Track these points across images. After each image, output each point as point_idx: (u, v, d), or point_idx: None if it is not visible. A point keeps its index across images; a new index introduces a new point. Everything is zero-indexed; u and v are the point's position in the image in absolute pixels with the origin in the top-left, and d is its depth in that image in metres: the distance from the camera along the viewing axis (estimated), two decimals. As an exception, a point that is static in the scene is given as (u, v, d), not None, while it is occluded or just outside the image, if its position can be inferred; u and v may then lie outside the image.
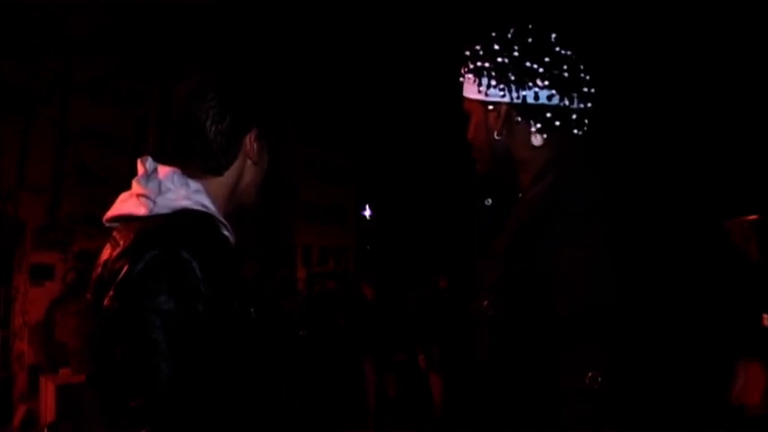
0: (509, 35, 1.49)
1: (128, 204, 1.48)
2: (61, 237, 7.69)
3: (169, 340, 1.26)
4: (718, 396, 1.41)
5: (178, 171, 1.51)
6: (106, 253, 1.43)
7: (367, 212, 13.17)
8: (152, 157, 1.56)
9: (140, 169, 1.53)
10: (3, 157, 7.88)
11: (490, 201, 1.59)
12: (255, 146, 1.55)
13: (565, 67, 1.46)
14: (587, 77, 1.49)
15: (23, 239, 8.19)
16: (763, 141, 8.11)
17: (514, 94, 1.46)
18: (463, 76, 1.55)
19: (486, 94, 1.49)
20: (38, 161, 8.10)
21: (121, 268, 1.33)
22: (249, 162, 1.56)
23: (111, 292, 1.32)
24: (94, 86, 8.06)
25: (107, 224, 1.53)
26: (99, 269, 1.42)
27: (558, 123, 1.47)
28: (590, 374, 1.30)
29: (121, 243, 1.39)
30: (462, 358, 1.50)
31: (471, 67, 1.52)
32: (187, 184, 1.48)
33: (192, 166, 1.52)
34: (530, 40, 1.48)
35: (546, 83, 1.45)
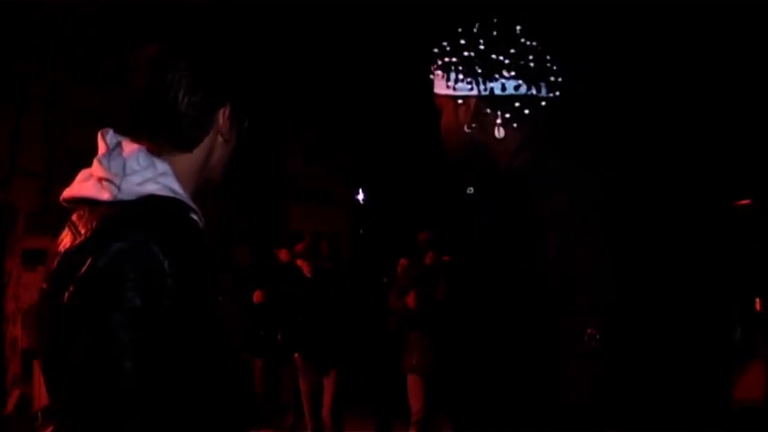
0: (474, 29, 1.52)
1: (88, 186, 1.36)
2: (54, 221, 7.65)
3: (134, 339, 1.19)
4: (718, 393, 1.42)
5: (144, 149, 1.38)
6: (66, 240, 1.33)
7: (360, 196, 13.12)
8: (114, 129, 1.43)
9: (101, 146, 1.40)
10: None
11: (472, 190, 1.59)
12: (228, 122, 1.44)
13: (531, 57, 1.49)
14: (554, 67, 1.51)
15: (16, 224, 8.15)
16: (754, 127, 8.13)
17: (482, 87, 1.49)
18: (433, 73, 1.58)
19: (455, 89, 1.52)
20: (30, 146, 8.05)
21: (83, 261, 1.23)
22: (220, 139, 1.44)
23: (71, 288, 1.23)
24: (89, 72, 8.00)
25: (65, 204, 1.42)
26: (58, 258, 1.31)
27: (527, 111, 1.49)
28: (588, 332, 1.31)
29: (83, 231, 1.29)
30: (459, 357, 1.49)
31: (439, 63, 1.55)
32: (154, 165, 1.35)
33: (159, 142, 1.40)
34: (495, 33, 1.50)
35: (512, 73, 1.47)
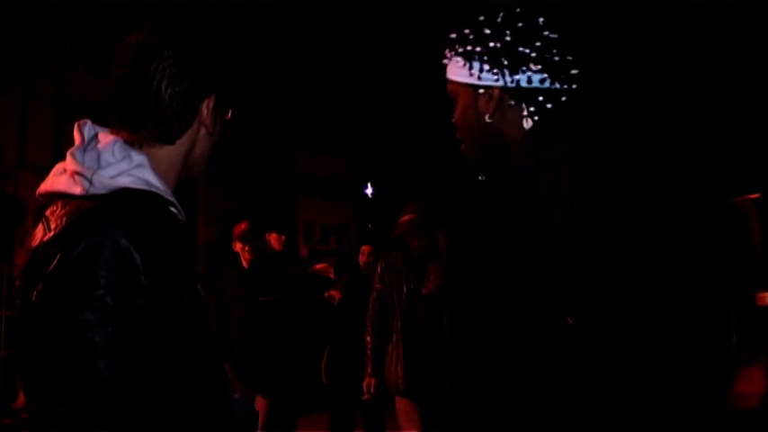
0: (499, 19, 1.50)
1: (61, 180, 1.32)
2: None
3: (106, 338, 1.15)
4: (714, 393, 1.41)
5: (120, 140, 1.33)
6: (38, 236, 1.28)
7: (369, 190, 13.10)
8: (92, 121, 1.39)
9: (77, 138, 1.35)
10: (1, 132, 7.85)
11: (483, 177, 1.58)
12: (212, 114, 1.40)
13: (555, 50, 1.47)
14: (572, 59, 1.51)
15: (25, 218, 8.18)
16: (763, 120, 8.08)
17: (508, 79, 1.47)
18: (449, 59, 1.55)
19: (479, 78, 1.48)
20: (37, 140, 8.08)
21: (53, 257, 1.19)
22: (204, 131, 1.40)
23: (39, 285, 1.19)
24: (89, 57, 8.00)
25: (41, 199, 1.37)
26: (29, 254, 1.27)
27: (549, 106, 1.48)
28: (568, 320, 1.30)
29: (53, 227, 1.25)
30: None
31: (461, 50, 1.51)
32: (129, 157, 1.31)
33: (141, 133, 1.35)
34: (520, 24, 1.49)
35: (539, 67, 1.46)
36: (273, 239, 5.61)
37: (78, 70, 8.17)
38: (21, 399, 7.90)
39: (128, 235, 1.20)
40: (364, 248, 5.67)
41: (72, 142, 1.40)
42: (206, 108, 1.39)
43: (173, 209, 1.34)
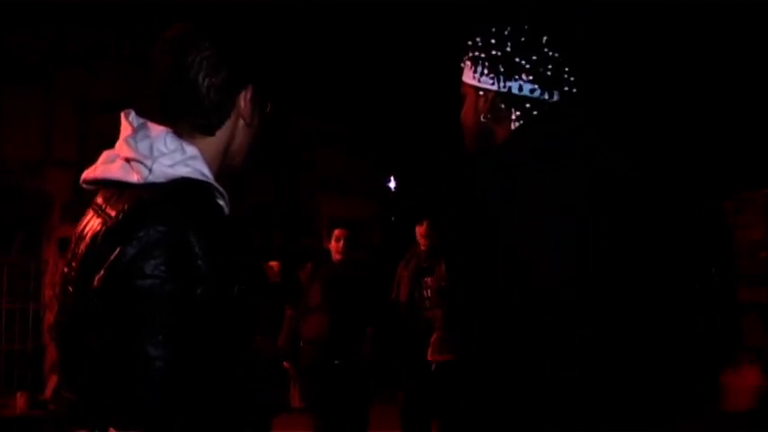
0: (506, 32, 1.70)
1: (114, 168, 1.33)
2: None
3: (166, 326, 1.17)
4: (704, 385, 1.48)
5: (170, 131, 1.36)
6: (94, 224, 1.30)
7: (392, 184, 13.08)
8: (135, 111, 1.41)
9: (127, 126, 1.37)
10: (25, 130, 7.94)
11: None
12: (249, 105, 1.42)
13: (550, 66, 1.67)
14: (572, 78, 1.69)
15: (51, 213, 8.29)
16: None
17: (501, 84, 1.68)
18: (464, 62, 1.77)
19: (479, 81, 1.71)
20: (62, 136, 8.17)
21: (114, 245, 1.21)
22: (242, 122, 1.42)
23: (102, 272, 1.20)
24: (90, 57, 8.04)
25: (85, 186, 1.41)
26: (86, 242, 1.29)
27: (535, 113, 1.67)
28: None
29: (113, 214, 1.26)
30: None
31: (470, 55, 1.74)
32: (182, 149, 1.33)
33: (181, 124, 1.38)
34: (522, 39, 1.68)
35: (530, 78, 1.66)
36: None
37: (79, 70, 8.19)
38: (49, 391, 8.01)
39: (188, 224, 1.22)
40: (338, 233, 5.41)
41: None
42: (243, 100, 1.41)
43: (221, 201, 1.36)
